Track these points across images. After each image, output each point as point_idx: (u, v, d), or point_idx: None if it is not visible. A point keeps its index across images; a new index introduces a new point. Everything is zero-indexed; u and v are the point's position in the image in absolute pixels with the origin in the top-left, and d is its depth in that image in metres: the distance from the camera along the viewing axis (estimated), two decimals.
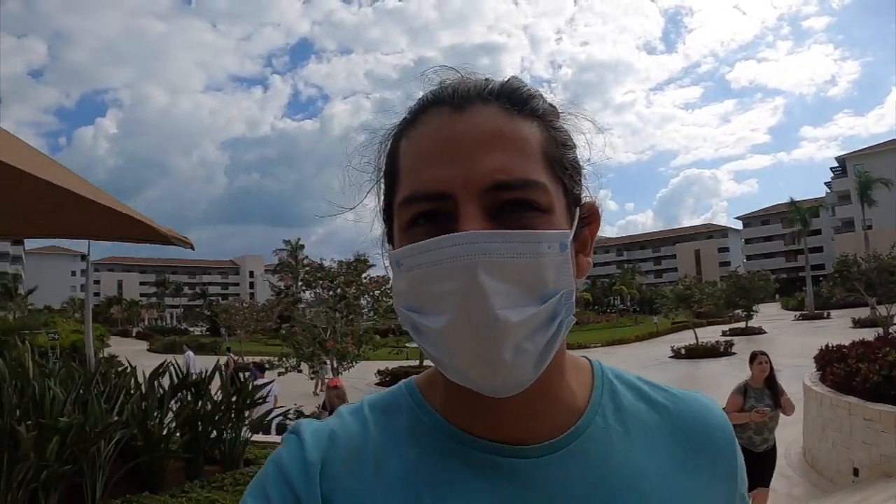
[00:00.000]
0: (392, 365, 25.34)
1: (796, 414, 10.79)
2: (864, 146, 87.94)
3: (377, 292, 20.50)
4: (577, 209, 0.76)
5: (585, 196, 0.79)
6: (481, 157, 0.68)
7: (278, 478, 0.74)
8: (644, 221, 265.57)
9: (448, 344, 0.66)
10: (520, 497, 0.72)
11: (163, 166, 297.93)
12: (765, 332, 37.41)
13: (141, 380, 6.01)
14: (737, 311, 42.92)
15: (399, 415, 0.80)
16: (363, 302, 20.42)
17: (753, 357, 6.78)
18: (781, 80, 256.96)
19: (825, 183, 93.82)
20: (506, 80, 0.74)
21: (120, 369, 6.01)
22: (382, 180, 0.79)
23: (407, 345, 25.35)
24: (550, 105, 0.77)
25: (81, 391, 5.31)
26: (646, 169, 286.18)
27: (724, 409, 5.96)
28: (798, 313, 51.50)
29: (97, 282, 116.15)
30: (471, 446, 0.75)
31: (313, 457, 0.74)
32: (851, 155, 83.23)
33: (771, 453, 6.59)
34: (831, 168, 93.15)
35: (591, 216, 0.79)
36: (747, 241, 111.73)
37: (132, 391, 5.55)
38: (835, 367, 10.11)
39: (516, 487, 0.72)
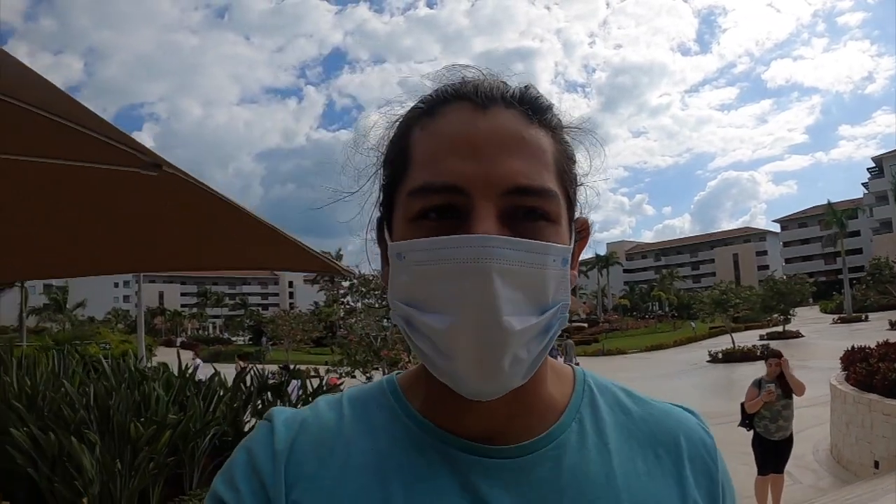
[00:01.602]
0: None
1: (825, 414, 11.41)
2: None
3: None
4: (573, 224, 0.77)
5: (578, 212, 0.80)
6: (504, 159, 0.69)
7: (247, 464, 0.74)
8: (681, 226, 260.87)
9: (449, 345, 0.67)
10: (491, 495, 0.72)
11: (200, 178, 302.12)
12: (802, 336, 37.45)
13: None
14: (775, 316, 43.02)
15: (377, 409, 0.80)
16: None
17: (768, 358, 7.48)
18: (818, 79, 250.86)
19: (862, 184, 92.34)
20: (525, 87, 0.76)
21: (211, 374, 6.86)
22: (382, 168, 0.80)
23: None
24: (559, 118, 0.78)
25: (181, 393, 6.18)
26: (683, 172, 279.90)
27: (743, 401, 6.73)
28: (836, 316, 51.21)
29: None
30: (446, 443, 0.75)
31: (281, 444, 0.75)
32: (888, 155, 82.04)
33: (787, 442, 7.23)
34: (868, 169, 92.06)
35: (583, 232, 0.81)
36: (786, 245, 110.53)
37: (222, 393, 6.39)
38: (857, 366, 10.73)
39: (488, 486, 0.72)
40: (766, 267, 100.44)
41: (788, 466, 10.41)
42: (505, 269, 0.65)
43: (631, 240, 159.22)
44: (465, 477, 0.72)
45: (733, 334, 33.90)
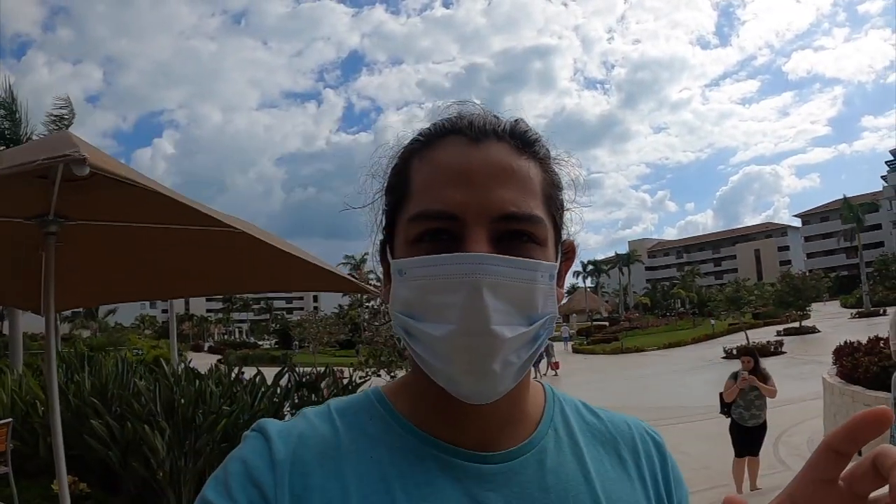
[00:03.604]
0: None
1: (820, 407, 12.15)
2: None
3: None
4: (560, 245, 0.83)
5: (565, 234, 0.86)
6: (494, 188, 0.75)
7: (243, 475, 0.74)
8: (704, 222, 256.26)
9: (446, 351, 0.72)
10: (487, 498, 0.77)
11: (220, 183, 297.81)
12: (818, 332, 37.75)
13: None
14: (793, 311, 43.32)
15: (368, 420, 0.82)
16: None
17: (741, 355, 8.42)
18: (840, 69, 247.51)
19: (882, 177, 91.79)
20: (515, 121, 0.82)
21: (254, 374, 7.88)
22: (385, 195, 0.86)
23: None
24: (547, 149, 0.84)
25: (227, 389, 7.19)
26: (705, 168, 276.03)
27: (722, 391, 7.64)
28: (854, 311, 51.44)
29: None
30: (439, 450, 0.79)
31: (281, 455, 0.75)
32: None
33: (760, 428, 8.11)
34: (887, 162, 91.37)
35: (569, 252, 0.87)
36: (807, 239, 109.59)
37: (264, 389, 7.39)
38: (844, 360, 11.55)
39: (484, 490, 0.77)
40: (789, 262, 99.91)
41: (781, 455, 11.34)
42: (496, 283, 0.71)
43: (653, 237, 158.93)
44: (462, 483, 0.77)
45: (752, 330, 34.37)
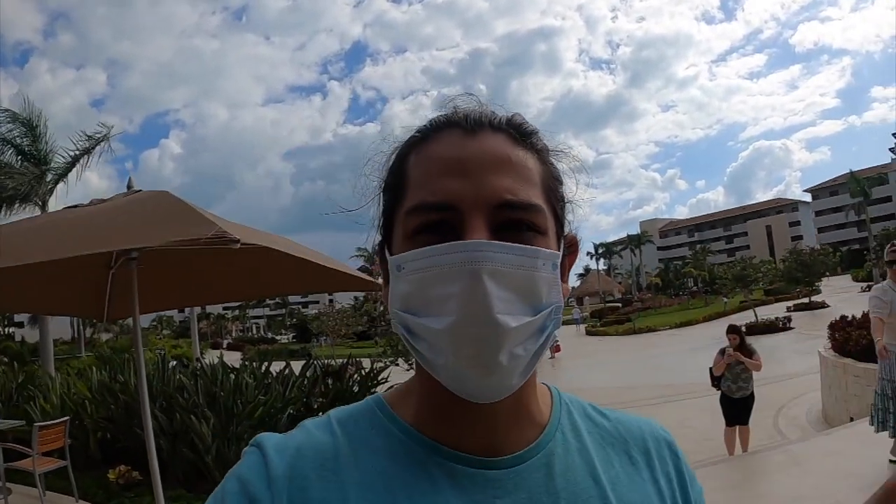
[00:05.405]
0: None
1: (818, 381, 12.69)
2: None
3: None
4: (563, 239, 0.82)
5: (567, 229, 0.84)
6: (491, 178, 0.74)
7: (239, 493, 0.74)
8: (715, 199, 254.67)
9: (448, 344, 0.70)
10: None
11: (229, 180, 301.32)
12: (827, 306, 37.92)
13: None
14: (803, 287, 43.58)
15: (370, 428, 0.81)
16: None
17: (728, 332, 9.01)
18: (847, 40, 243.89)
19: (890, 149, 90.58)
20: (511, 115, 0.81)
21: (283, 366, 8.63)
22: (382, 193, 0.84)
23: None
24: (544, 143, 0.83)
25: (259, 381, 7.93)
26: (714, 144, 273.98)
27: (711, 366, 8.30)
28: (864, 285, 51.59)
29: None
30: (444, 456, 0.77)
31: (279, 470, 0.74)
32: None
33: (747, 399, 8.79)
34: (894, 134, 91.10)
35: (572, 247, 0.85)
36: (818, 214, 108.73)
37: (293, 379, 8.14)
38: (836, 334, 12.20)
39: (491, 497, 0.75)
40: (800, 237, 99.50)
41: (780, 425, 11.96)
42: (496, 270, 0.69)
43: (664, 217, 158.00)
44: (468, 490, 0.75)
45: (762, 307, 34.74)
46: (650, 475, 0.86)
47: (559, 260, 0.77)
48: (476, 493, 0.75)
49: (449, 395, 0.74)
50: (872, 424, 6.92)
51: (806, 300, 40.57)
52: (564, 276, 0.82)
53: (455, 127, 0.79)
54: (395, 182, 0.81)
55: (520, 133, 0.80)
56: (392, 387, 0.96)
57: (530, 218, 0.74)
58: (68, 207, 4.15)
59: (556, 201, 0.81)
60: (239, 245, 2.93)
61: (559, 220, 0.81)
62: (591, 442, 0.85)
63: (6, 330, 72.49)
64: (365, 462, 0.77)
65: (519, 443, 0.80)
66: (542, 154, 0.82)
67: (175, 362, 11.57)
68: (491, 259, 0.69)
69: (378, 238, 0.85)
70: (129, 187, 4.54)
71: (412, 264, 0.73)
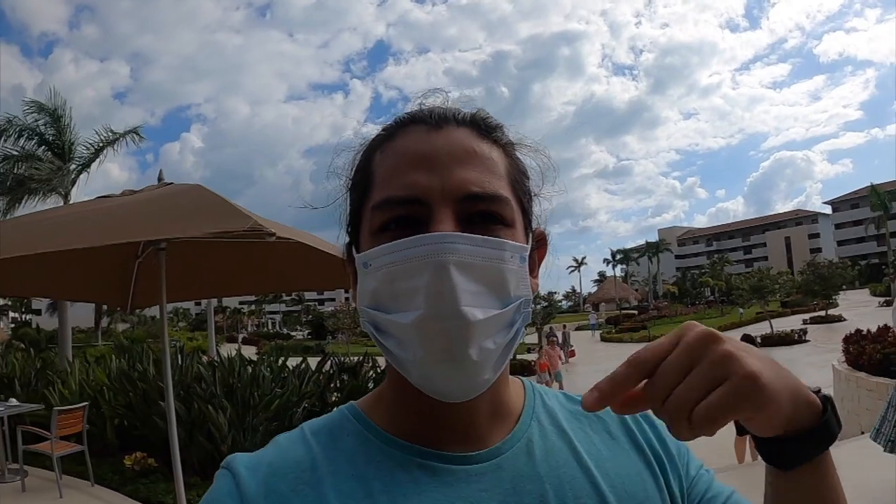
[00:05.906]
0: None
1: (831, 394, 12.65)
2: None
3: None
4: (531, 233, 0.82)
5: (535, 224, 0.85)
6: (457, 170, 0.74)
7: None
8: (735, 209, 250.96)
9: (416, 338, 0.69)
10: (479, 499, 0.75)
11: (249, 176, 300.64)
12: (844, 320, 37.69)
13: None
14: (819, 299, 43.30)
15: (346, 436, 0.80)
16: None
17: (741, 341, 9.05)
18: (872, 51, 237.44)
19: None
20: (475, 110, 0.82)
21: (299, 361, 8.75)
22: (349, 193, 0.84)
23: None
24: (509, 138, 0.84)
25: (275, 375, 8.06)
26: (735, 153, 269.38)
27: None
28: (882, 300, 51.20)
29: None
30: (424, 456, 0.77)
31: (251, 490, 0.74)
32: None
33: None
34: None
35: (541, 241, 0.86)
36: (837, 227, 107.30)
37: (309, 374, 8.27)
38: (851, 347, 12.14)
39: (476, 491, 0.75)
40: (819, 250, 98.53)
41: None
42: (463, 262, 0.68)
43: (683, 225, 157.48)
44: (453, 486, 0.75)
45: (779, 318, 34.46)
46: (631, 443, 0.86)
47: (527, 253, 0.77)
48: (461, 488, 0.75)
49: (421, 395, 0.73)
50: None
51: (822, 313, 40.26)
52: (534, 272, 0.83)
53: (420, 123, 0.79)
54: (362, 180, 0.81)
55: (485, 127, 0.81)
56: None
57: (497, 209, 0.75)
58: (101, 197, 4.27)
59: (523, 194, 0.82)
60: (274, 238, 3.03)
61: (526, 214, 0.82)
62: (567, 424, 0.86)
63: (24, 317, 73.27)
64: (343, 471, 0.76)
65: (496, 435, 0.81)
66: (507, 148, 0.83)
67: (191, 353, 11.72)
68: (457, 251, 0.69)
69: (346, 238, 0.84)
70: (159, 180, 4.61)
71: (378, 260, 0.72)
